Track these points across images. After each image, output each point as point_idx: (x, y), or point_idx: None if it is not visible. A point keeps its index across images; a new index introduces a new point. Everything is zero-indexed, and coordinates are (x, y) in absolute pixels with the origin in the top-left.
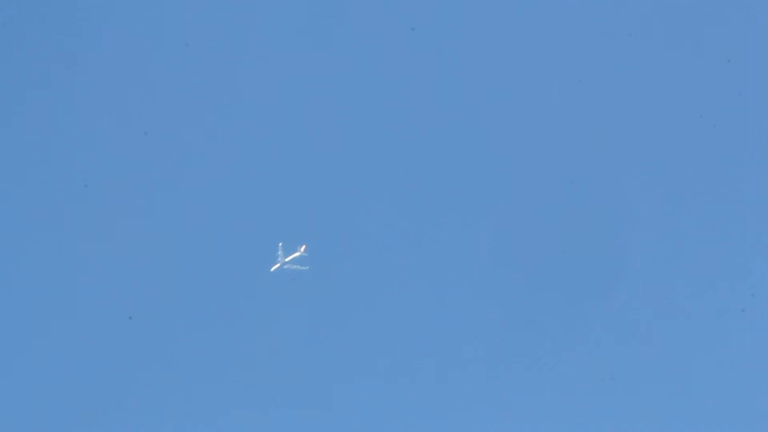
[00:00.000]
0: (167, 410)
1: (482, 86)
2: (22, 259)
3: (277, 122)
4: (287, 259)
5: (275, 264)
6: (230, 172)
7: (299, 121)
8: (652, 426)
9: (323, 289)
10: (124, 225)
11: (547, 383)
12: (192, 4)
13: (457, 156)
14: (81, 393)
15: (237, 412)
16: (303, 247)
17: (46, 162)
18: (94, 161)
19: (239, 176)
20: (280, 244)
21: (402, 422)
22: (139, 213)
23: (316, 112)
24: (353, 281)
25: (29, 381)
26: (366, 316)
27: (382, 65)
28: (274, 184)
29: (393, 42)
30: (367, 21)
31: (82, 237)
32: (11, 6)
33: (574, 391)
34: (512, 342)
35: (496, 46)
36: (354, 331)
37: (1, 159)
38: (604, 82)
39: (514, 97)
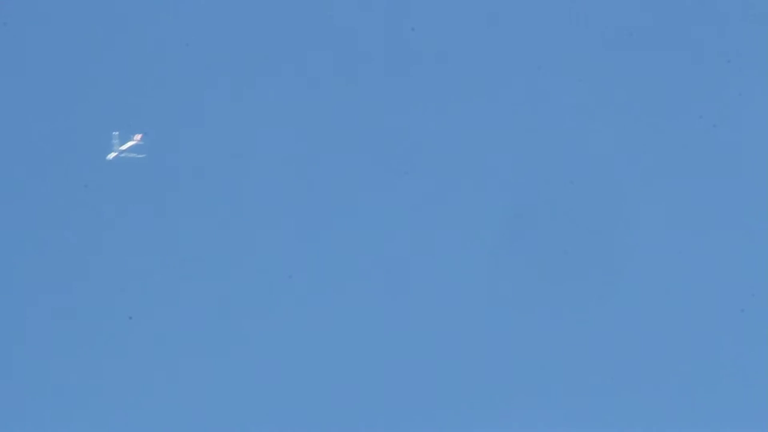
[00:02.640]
0: (167, 410)
1: (482, 86)
2: (21, 259)
3: (276, 121)
4: (123, 148)
5: (111, 153)
6: (231, 171)
7: (299, 120)
8: (651, 426)
9: (323, 290)
10: (124, 225)
11: (547, 384)
12: (192, 4)
13: (457, 156)
14: (81, 393)
15: (237, 413)
16: (139, 136)
17: (47, 162)
18: (94, 161)
19: (240, 175)
20: (115, 132)
21: (400, 421)
22: (139, 213)
23: (316, 112)
24: (352, 282)
25: (29, 381)
26: (366, 317)
27: (382, 65)
28: (275, 183)
29: (393, 42)
30: (367, 21)
31: (82, 237)
32: (11, 6)
33: (573, 391)
34: (511, 342)
35: (496, 46)
36: (354, 333)
37: (1, 159)
38: (604, 82)
39: (514, 97)
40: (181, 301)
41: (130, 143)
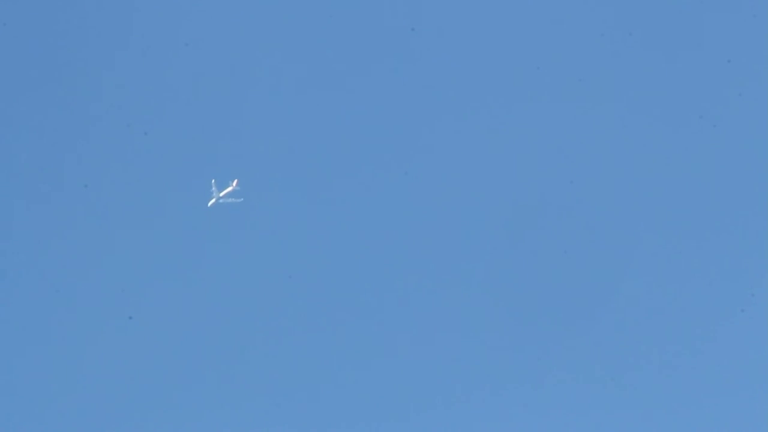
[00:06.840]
0: (167, 410)
1: (482, 86)
2: (22, 259)
3: (276, 122)
4: (222, 194)
5: (211, 199)
6: (231, 171)
7: (299, 120)
8: (652, 427)
9: (322, 289)
10: (124, 225)
11: (546, 384)
12: (192, 4)
13: (457, 156)
14: (80, 393)
15: (237, 413)
16: (235, 182)
17: (47, 162)
18: (94, 161)
19: (240, 175)
20: (213, 180)
21: (398, 419)
22: (139, 213)
23: (316, 112)
24: (352, 282)
25: (29, 381)
26: (366, 315)
27: (382, 65)
28: (275, 183)
29: (393, 42)
30: (367, 21)
31: (82, 237)
32: (11, 6)
33: (573, 392)
34: (511, 343)
35: (496, 46)
36: (354, 333)
37: (1, 159)
38: (604, 82)
39: (514, 97)
40: (181, 301)
41: (228, 189)
